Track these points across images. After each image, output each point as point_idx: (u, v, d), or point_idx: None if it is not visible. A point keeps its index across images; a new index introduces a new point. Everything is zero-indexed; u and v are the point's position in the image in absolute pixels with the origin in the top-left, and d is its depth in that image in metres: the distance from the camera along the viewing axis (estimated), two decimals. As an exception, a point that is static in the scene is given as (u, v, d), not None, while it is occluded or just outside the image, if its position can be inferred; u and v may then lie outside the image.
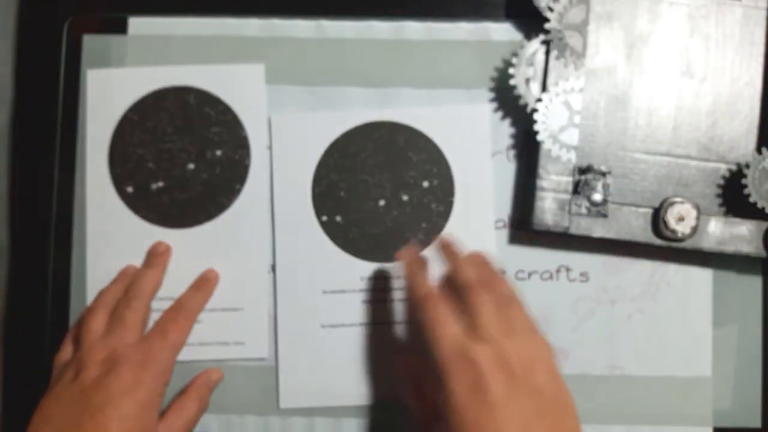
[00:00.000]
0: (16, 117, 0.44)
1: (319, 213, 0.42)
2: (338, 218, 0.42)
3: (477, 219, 0.42)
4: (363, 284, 0.42)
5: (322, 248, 0.42)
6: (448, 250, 0.38)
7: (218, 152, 0.42)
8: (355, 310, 0.42)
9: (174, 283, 0.42)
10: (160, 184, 0.42)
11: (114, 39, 0.43)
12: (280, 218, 0.42)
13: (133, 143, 0.43)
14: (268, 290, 0.42)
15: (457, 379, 0.31)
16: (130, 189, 0.42)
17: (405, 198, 0.42)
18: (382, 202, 0.42)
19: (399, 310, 0.42)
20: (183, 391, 0.40)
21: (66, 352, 0.39)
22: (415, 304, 0.35)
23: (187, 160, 0.42)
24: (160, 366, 0.37)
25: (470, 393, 0.31)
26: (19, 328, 0.43)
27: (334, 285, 0.42)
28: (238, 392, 0.42)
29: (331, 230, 0.42)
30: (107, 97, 0.43)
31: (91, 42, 0.43)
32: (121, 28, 0.43)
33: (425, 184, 0.42)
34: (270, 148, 0.42)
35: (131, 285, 0.40)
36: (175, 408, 0.39)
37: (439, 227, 0.42)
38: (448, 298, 0.35)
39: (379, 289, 0.42)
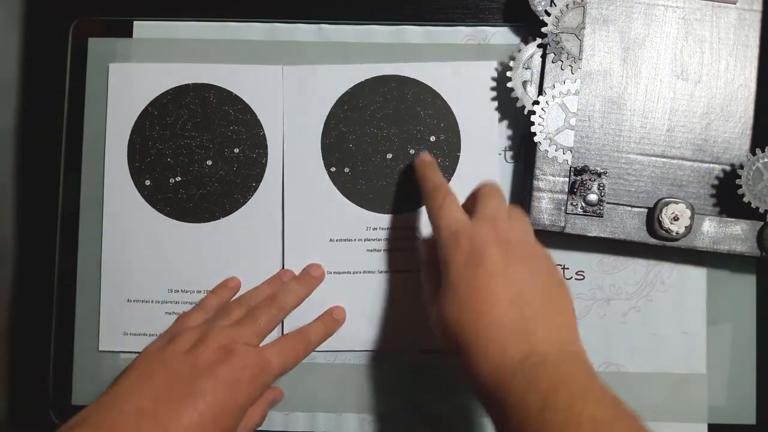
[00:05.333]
0: (22, 118, 0.44)
1: (327, 164, 0.43)
2: (346, 169, 0.43)
3: (481, 175, 0.42)
4: (368, 234, 0.43)
5: (330, 198, 0.43)
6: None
7: (236, 150, 0.43)
8: (359, 258, 0.43)
9: (185, 277, 0.42)
10: (178, 178, 0.43)
11: (119, 42, 0.43)
12: (289, 167, 0.43)
13: (153, 138, 0.43)
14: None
15: (455, 252, 0.33)
16: (148, 182, 0.43)
17: (412, 152, 0.43)
18: (389, 155, 0.43)
19: (402, 259, 0.43)
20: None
21: (195, 318, 0.39)
22: (425, 195, 0.38)
23: (205, 156, 0.43)
24: (266, 381, 0.37)
25: (467, 263, 0.33)
26: (25, 327, 0.44)
27: (340, 234, 0.43)
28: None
29: (339, 181, 0.43)
30: (128, 91, 0.43)
31: (96, 45, 0.43)
32: (126, 32, 0.43)
33: (432, 138, 0.43)
34: (282, 99, 0.43)
35: (280, 293, 0.41)
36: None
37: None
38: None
39: (383, 239, 0.43)
